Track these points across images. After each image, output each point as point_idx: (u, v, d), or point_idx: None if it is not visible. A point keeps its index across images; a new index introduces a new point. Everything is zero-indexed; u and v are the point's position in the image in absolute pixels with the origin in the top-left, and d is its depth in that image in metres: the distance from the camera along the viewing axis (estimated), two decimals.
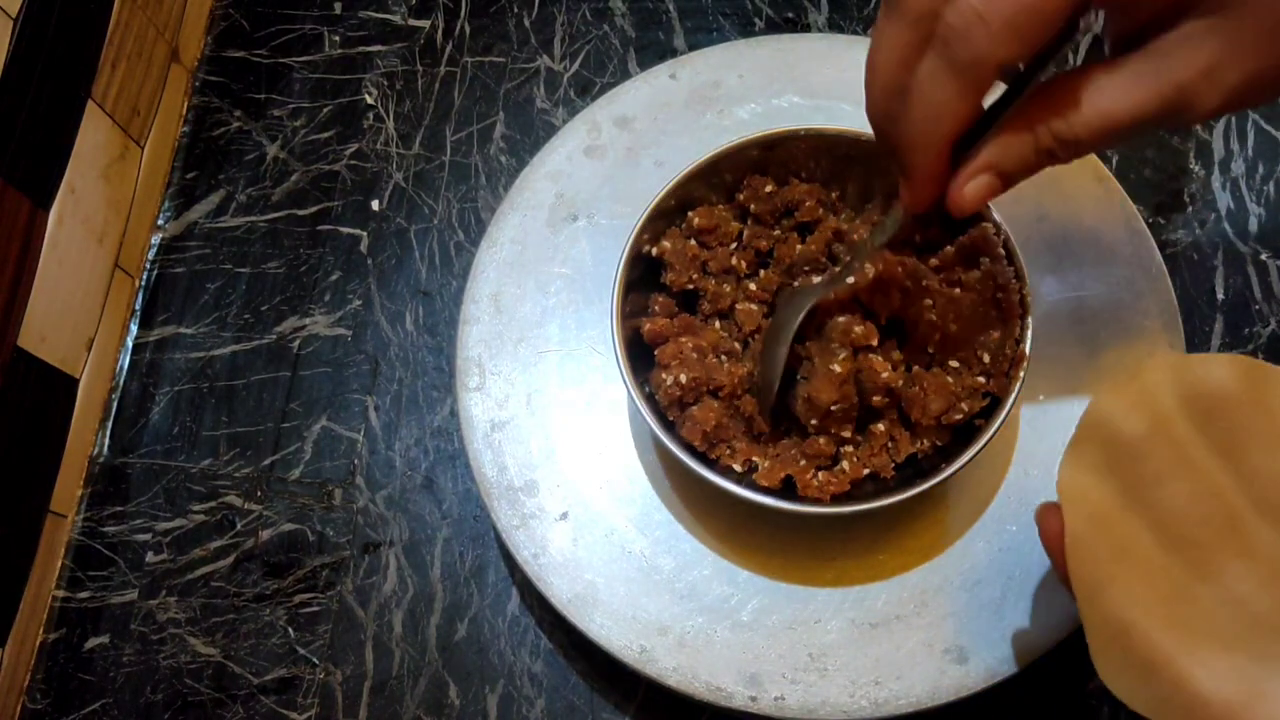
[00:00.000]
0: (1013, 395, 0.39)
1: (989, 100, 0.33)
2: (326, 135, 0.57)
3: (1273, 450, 0.31)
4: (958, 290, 0.41)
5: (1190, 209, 0.53)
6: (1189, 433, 0.32)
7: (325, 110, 0.57)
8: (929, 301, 0.41)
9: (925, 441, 0.41)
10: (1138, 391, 0.33)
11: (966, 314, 0.41)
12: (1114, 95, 0.31)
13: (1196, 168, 0.54)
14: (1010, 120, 0.33)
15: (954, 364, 0.41)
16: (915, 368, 0.42)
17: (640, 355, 0.43)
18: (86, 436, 0.51)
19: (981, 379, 0.41)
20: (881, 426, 0.41)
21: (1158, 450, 0.32)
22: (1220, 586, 0.31)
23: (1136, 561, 0.31)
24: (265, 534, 0.49)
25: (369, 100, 0.57)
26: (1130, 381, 0.33)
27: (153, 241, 0.55)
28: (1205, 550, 0.31)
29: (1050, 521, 0.34)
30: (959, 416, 0.40)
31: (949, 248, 0.42)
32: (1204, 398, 0.32)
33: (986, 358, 0.41)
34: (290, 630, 0.47)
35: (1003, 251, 0.41)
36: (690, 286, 0.44)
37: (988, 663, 0.41)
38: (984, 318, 0.41)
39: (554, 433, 0.47)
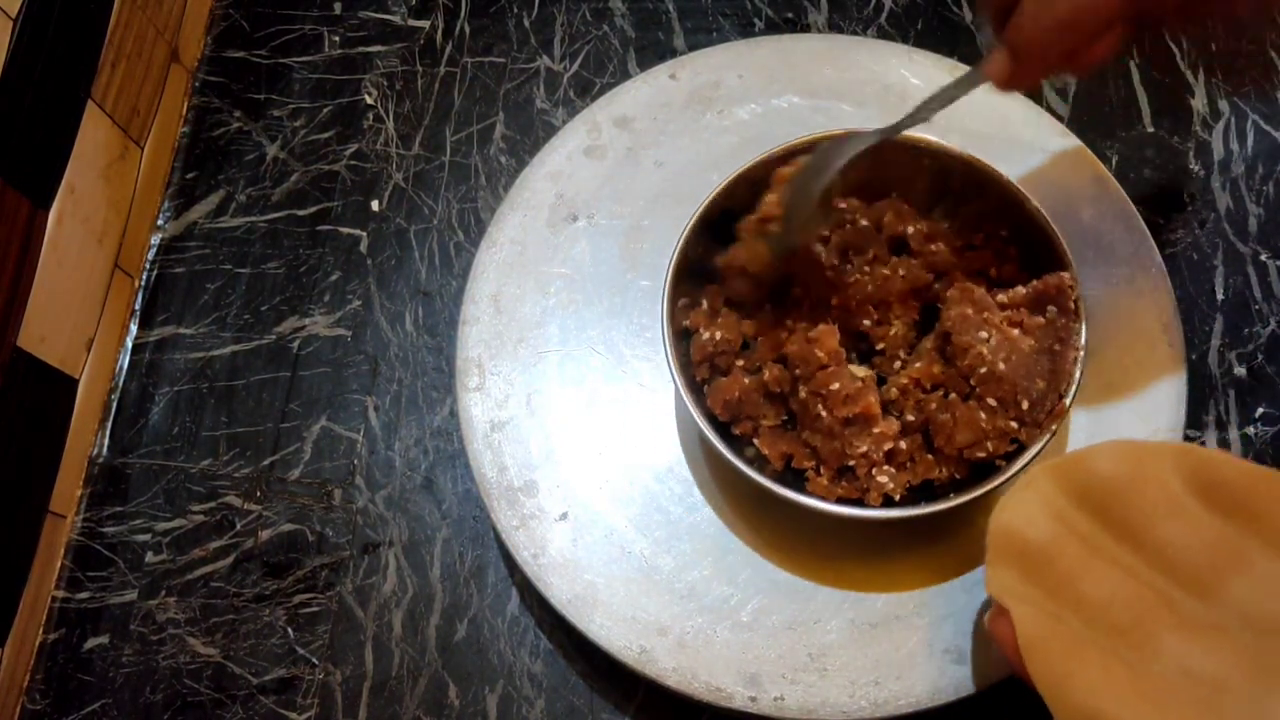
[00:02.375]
0: (1039, 445, 0.39)
1: None
2: (326, 135, 0.57)
3: (1171, 518, 0.33)
4: (1017, 331, 0.41)
5: (1190, 209, 0.53)
6: (1091, 526, 0.34)
7: (325, 110, 0.57)
8: (985, 334, 0.41)
9: (944, 470, 0.41)
10: (1034, 499, 0.35)
11: (1019, 357, 0.40)
12: None
13: (1196, 168, 0.54)
14: None
15: (992, 402, 0.40)
16: (952, 395, 0.41)
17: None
18: (86, 437, 0.51)
19: (1015, 424, 0.40)
20: (904, 445, 0.41)
21: (1067, 550, 0.34)
22: (1168, 661, 0.32)
23: (1088, 652, 0.32)
24: (265, 534, 0.49)
25: (369, 100, 0.57)
26: (1025, 490, 0.35)
27: (152, 241, 0.55)
28: (1142, 630, 0.32)
29: (1002, 628, 0.35)
30: (981, 455, 0.40)
31: (1021, 289, 0.42)
32: (1095, 490, 0.34)
33: (1025, 404, 0.40)
34: (290, 630, 0.47)
35: (1073, 306, 0.41)
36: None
37: (987, 664, 0.41)
38: (1035, 365, 0.40)
39: (554, 433, 0.47)
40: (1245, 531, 0.33)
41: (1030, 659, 0.33)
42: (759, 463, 0.42)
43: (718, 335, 0.43)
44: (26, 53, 0.46)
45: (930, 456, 0.41)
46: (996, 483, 0.39)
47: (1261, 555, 0.32)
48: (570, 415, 0.47)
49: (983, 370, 0.40)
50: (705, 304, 0.44)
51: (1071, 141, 0.50)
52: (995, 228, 0.45)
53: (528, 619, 0.47)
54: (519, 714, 0.45)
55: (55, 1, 0.48)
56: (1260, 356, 0.50)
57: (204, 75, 0.58)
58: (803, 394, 0.41)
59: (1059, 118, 0.53)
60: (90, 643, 0.47)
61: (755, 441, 0.42)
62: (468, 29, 0.59)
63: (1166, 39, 0.57)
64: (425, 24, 0.59)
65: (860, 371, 0.42)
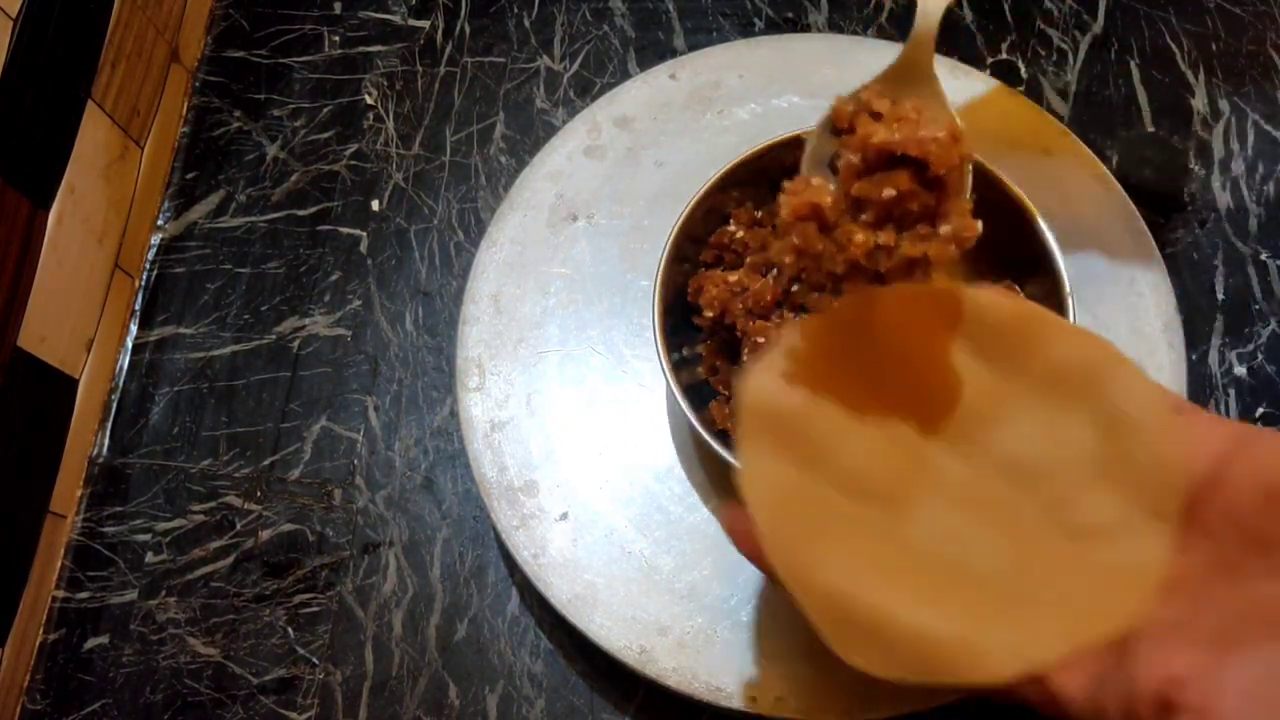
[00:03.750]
0: None
1: None
2: (326, 135, 0.57)
3: (931, 369, 0.31)
4: None
5: (1190, 209, 0.53)
6: (847, 385, 0.31)
7: (325, 110, 0.57)
8: None
9: None
10: (784, 362, 0.32)
11: None
12: None
13: (1196, 168, 0.54)
14: None
15: None
16: None
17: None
18: (86, 437, 0.51)
19: None
20: None
21: (822, 415, 0.31)
22: (926, 529, 0.30)
23: (836, 531, 0.30)
24: (265, 534, 0.49)
25: (369, 100, 0.57)
26: (773, 354, 0.32)
27: (153, 241, 0.55)
28: (898, 498, 0.30)
29: (735, 520, 0.32)
30: None
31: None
32: (851, 345, 0.32)
33: None
34: (290, 630, 0.47)
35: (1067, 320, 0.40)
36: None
37: None
38: None
39: (554, 433, 0.47)
40: (1011, 378, 0.31)
41: (772, 548, 0.30)
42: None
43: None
44: (26, 53, 0.46)
45: None
46: None
47: (1027, 403, 0.30)
48: (570, 415, 0.47)
49: None
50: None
51: (1071, 141, 0.50)
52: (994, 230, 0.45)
53: (528, 619, 0.47)
54: (519, 714, 0.45)
55: (55, 1, 0.48)
56: (1260, 356, 0.50)
57: (204, 75, 0.58)
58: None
59: (1059, 117, 0.53)
60: (90, 643, 0.47)
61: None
62: (468, 29, 0.59)
63: (1167, 39, 0.57)
64: (425, 24, 0.59)
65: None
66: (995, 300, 0.31)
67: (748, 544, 0.31)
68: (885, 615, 0.29)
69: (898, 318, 0.32)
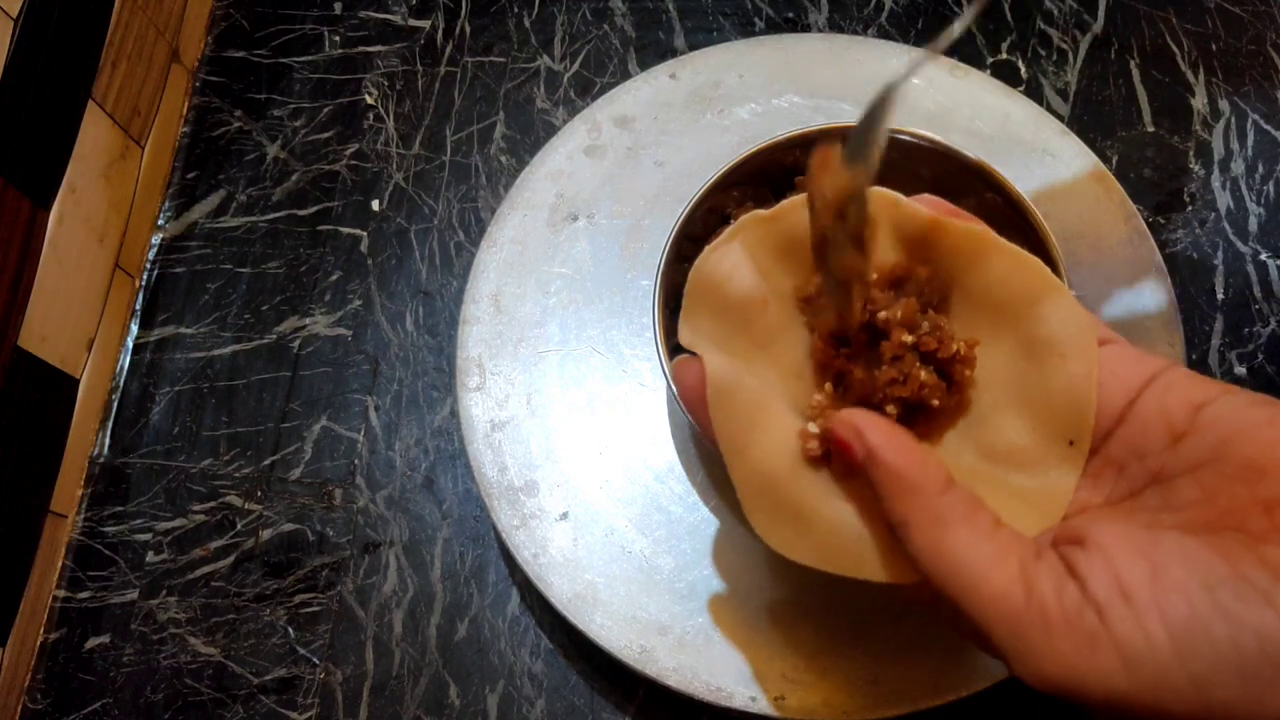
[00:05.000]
0: None
1: None
2: (326, 135, 0.57)
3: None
4: None
5: (1190, 209, 0.53)
6: (792, 284, 0.31)
7: (325, 110, 0.57)
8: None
9: None
10: (738, 250, 0.31)
11: None
12: None
13: (1196, 167, 0.54)
14: None
15: None
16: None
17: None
18: (87, 436, 0.51)
19: None
20: None
21: (767, 309, 0.31)
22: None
23: (774, 413, 0.30)
24: (265, 534, 0.49)
25: (369, 100, 0.57)
26: (730, 240, 0.31)
27: (153, 241, 0.55)
28: (829, 393, 0.30)
29: (687, 374, 0.31)
30: None
31: None
32: (800, 244, 0.31)
33: None
34: (290, 630, 0.47)
35: None
36: None
37: (988, 663, 0.41)
38: None
39: (554, 433, 0.47)
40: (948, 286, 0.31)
41: (716, 410, 0.30)
42: None
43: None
44: (27, 53, 0.46)
45: None
46: None
47: (958, 320, 0.31)
48: (570, 415, 0.47)
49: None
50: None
51: (1071, 141, 0.50)
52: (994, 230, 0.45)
53: (528, 619, 0.47)
54: (519, 713, 0.45)
55: (55, 1, 0.48)
56: (1260, 356, 0.50)
57: (204, 75, 0.59)
58: None
59: (1059, 117, 0.53)
60: (91, 642, 0.47)
61: None
62: (468, 29, 0.59)
63: (1167, 39, 0.57)
64: (425, 24, 0.59)
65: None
66: (930, 215, 0.30)
67: (693, 398, 0.31)
68: (809, 504, 0.29)
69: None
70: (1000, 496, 0.28)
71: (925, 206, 0.31)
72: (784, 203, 0.32)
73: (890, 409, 0.29)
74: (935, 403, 0.29)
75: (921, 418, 0.30)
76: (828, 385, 0.31)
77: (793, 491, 0.29)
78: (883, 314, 0.30)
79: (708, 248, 0.32)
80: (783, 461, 0.30)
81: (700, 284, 0.32)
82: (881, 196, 0.31)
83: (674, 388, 0.33)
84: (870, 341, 0.30)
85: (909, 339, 0.29)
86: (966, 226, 0.30)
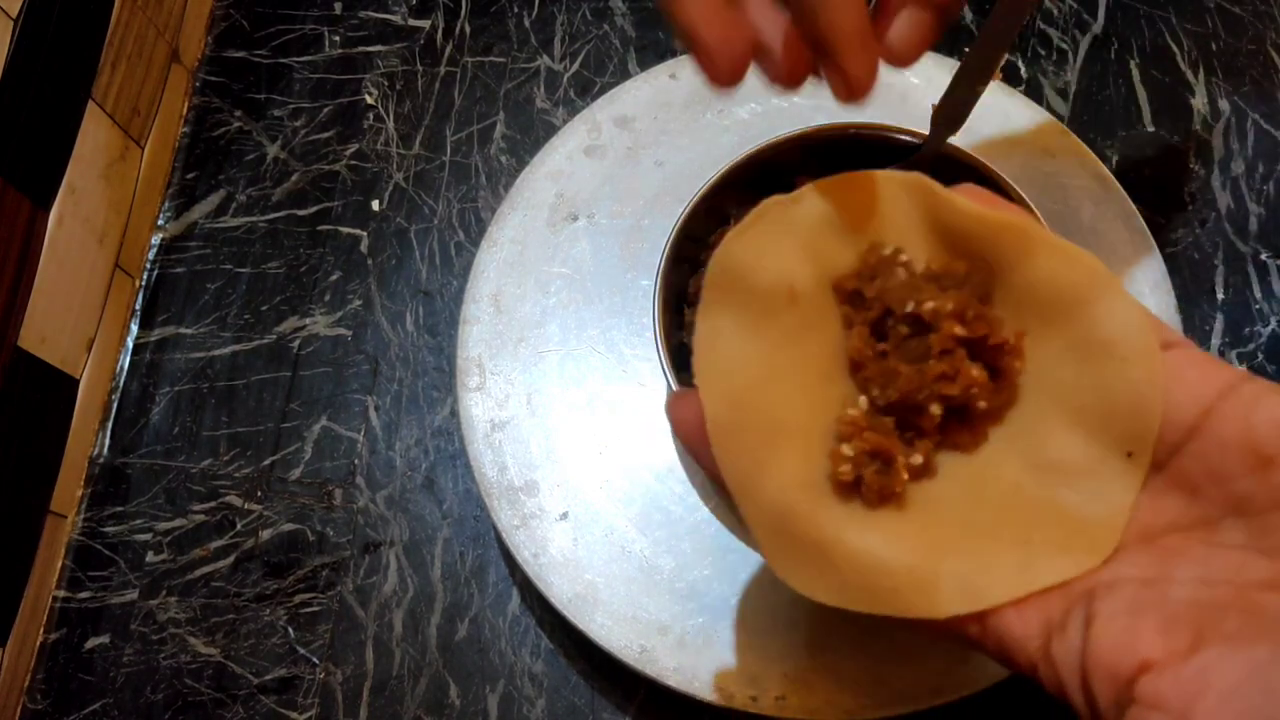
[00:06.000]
0: None
1: None
2: (326, 135, 0.57)
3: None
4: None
5: (1190, 209, 0.53)
6: (821, 278, 0.28)
7: (325, 110, 0.57)
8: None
9: None
10: (771, 232, 0.28)
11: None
12: None
13: (1196, 167, 0.54)
14: None
15: None
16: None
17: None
18: (86, 436, 0.51)
19: None
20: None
21: (797, 302, 0.28)
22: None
23: (789, 436, 0.27)
24: (265, 534, 0.49)
25: (369, 100, 0.57)
26: (760, 222, 0.28)
27: (153, 241, 0.55)
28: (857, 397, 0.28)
29: (684, 410, 0.28)
30: None
31: None
32: (829, 225, 0.28)
33: None
34: (290, 630, 0.47)
35: None
36: None
37: (988, 663, 0.41)
38: None
39: (554, 433, 0.47)
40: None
41: (719, 445, 0.27)
42: None
43: None
44: (27, 53, 0.46)
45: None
46: None
47: (1001, 311, 0.28)
48: (570, 415, 0.47)
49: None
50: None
51: (1071, 141, 0.50)
52: None
53: (528, 619, 0.47)
54: (520, 713, 0.45)
55: (55, 1, 0.48)
56: (1260, 356, 0.50)
57: (204, 75, 0.59)
58: None
59: (1059, 117, 0.53)
60: (91, 642, 0.47)
61: None
62: (468, 29, 0.59)
63: (1167, 39, 0.57)
64: (425, 24, 0.59)
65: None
66: (972, 207, 0.27)
67: (693, 436, 0.28)
68: (830, 536, 0.26)
69: (887, 211, 0.28)
70: (1052, 517, 0.26)
71: (966, 196, 0.28)
72: (805, 187, 0.29)
73: (934, 409, 0.27)
74: (982, 404, 0.27)
75: (963, 426, 0.28)
76: (862, 399, 0.28)
77: (813, 525, 0.27)
78: (930, 304, 0.27)
79: (729, 234, 0.29)
80: (799, 494, 0.27)
81: (722, 274, 0.28)
82: (919, 184, 0.28)
83: (671, 425, 0.30)
84: (910, 336, 0.28)
85: (961, 331, 0.27)
86: (1010, 219, 0.27)
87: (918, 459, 0.28)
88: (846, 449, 0.27)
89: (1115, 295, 0.26)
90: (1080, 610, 0.24)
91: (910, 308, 0.27)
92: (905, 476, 0.27)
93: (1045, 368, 0.27)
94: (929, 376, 0.27)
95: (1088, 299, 0.26)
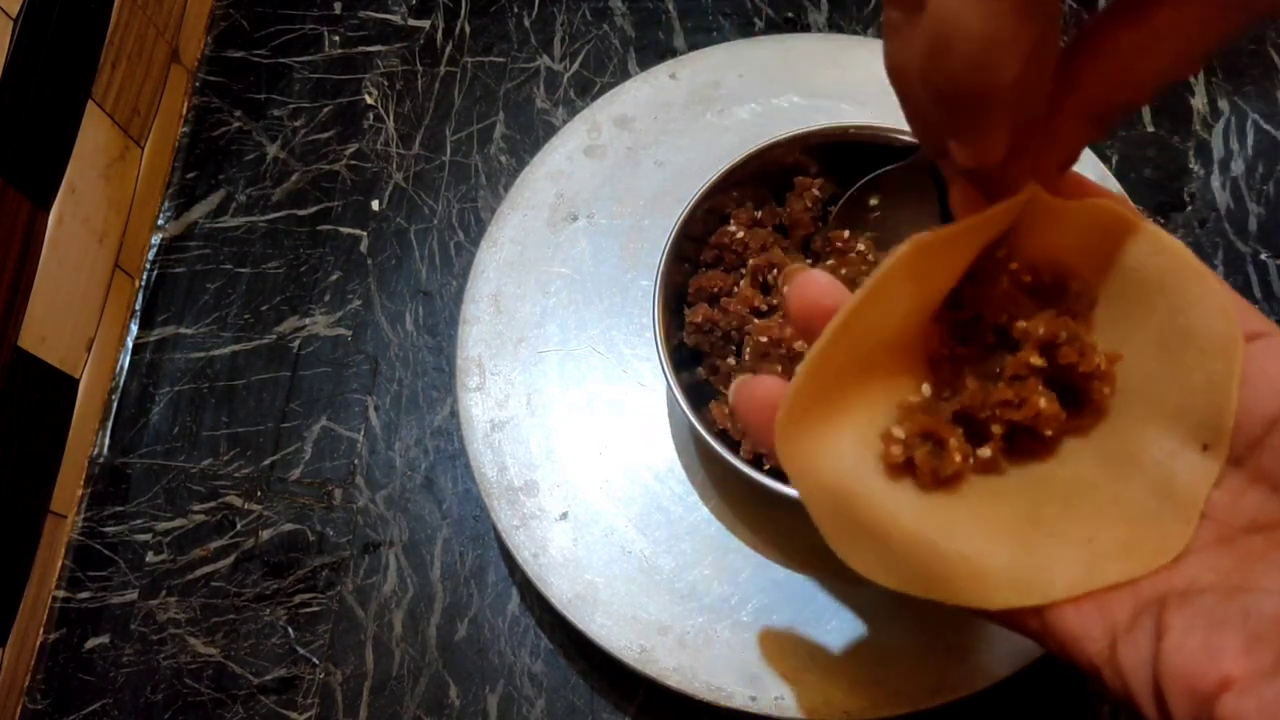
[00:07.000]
0: None
1: None
2: (326, 135, 0.57)
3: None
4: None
5: (1190, 209, 0.53)
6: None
7: (325, 110, 0.57)
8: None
9: None
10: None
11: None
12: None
13: (1196, 167, 0.54)
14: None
15: None
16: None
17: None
18: (86, 436, 0.51)
19: None
20: None
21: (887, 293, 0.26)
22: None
23: (852, 418, 0.27)
24: (265, 534, 0.49)
25: (369, 100, 0.57)
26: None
27: (153, 241, 0.55)
28: (906, 379, 0.27)
29: (759, 389, 0.28)
30: None
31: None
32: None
33: None
34: (290, 630, 0.47)
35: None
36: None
37: (988, 663, 0.41)
38: None
39: (554, 433, 0.47)
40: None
41: (782, 424, 0.27)
42: (756, 461, 0.42)
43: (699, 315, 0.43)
44: (26, 53, 0.46)
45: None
46: None
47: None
48: (570, 415, 0.47)
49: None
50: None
51: None
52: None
53: (528, 619, 0.47)
54: (519, 713, 0.45)
55: (55, 1, 0.48)
56: None
57: (204, 75, 0.59)
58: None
59: None
60: (91, 642, 0.47)
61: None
62: (468, 29, 0.59)
63: None
64: (425, 24, 0.59)
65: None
66: (1059, 197, 0.26)
67: (761, 413, 0.27)
68: (889, 519, 0.26)
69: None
70: (1121, 509, 0.25)
71: (1068, 184, 0.27)
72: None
73: (996, 429, 0.26)
74: (1048, 433, 0.26)
75: (1033, 439, 0.27)
76: (925, 385, 0.27)
77: (868, 507, 0.26)
78: (1021, 324, 0.26)
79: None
80: (855, 473, 0.26)
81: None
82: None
83: (734, 403, 0.29)
84: (995, 346, 0.27)
85: (1038, 362, 0.26)
86: (1098, 203, 0.26)
87: (986, 453, 0.27)
88: (897, 430, 0.27)
89: (1203, 282, 0.25)
90: (1150, 617, 0.23)
91: (1003, 320, 0.27)
92: (958, 459, 0.26)
93: (1131, 359, 0.26)
94: (993, 399, 0.26)
95: (1174, 286, 0.25)
